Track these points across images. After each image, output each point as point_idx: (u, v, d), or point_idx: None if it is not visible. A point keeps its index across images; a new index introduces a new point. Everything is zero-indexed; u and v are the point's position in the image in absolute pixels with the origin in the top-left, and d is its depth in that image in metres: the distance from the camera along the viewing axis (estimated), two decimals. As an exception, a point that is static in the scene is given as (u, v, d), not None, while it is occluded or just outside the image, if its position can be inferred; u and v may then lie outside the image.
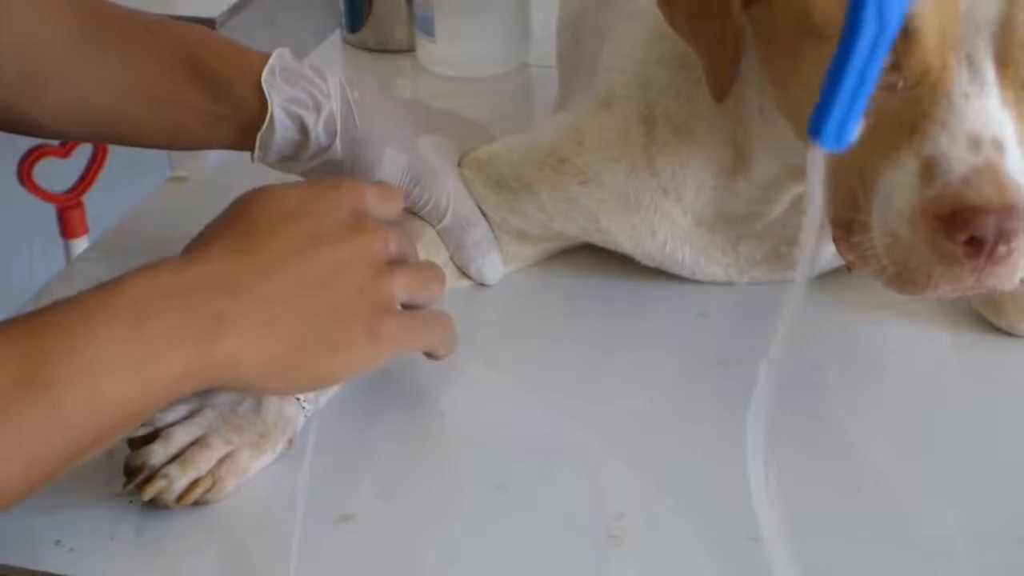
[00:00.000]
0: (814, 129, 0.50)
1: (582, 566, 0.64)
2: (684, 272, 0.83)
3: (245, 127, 0.80)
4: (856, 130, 0.50)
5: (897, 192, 0.64)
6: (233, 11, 1.45)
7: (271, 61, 0.80)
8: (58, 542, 0.65)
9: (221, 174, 0.97)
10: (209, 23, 1.40)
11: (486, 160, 0.85)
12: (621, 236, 0.82)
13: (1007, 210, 0.61)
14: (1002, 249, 0.61)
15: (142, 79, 0.80)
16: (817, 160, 0.52)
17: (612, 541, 0.65)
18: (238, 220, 0.66)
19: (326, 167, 0.82)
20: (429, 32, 1.13)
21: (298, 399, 0.71)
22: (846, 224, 0.68)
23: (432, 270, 0.73)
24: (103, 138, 0.84)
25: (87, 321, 0.59)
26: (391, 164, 0.81)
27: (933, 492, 0.68)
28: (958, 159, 0.62)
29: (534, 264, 0.87)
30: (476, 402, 0.75)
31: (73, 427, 0.58)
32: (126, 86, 0.79)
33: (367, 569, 0.64)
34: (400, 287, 0.68)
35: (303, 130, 0.80)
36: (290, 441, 0.70)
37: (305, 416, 0.72)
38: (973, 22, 0.62)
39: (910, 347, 0.80)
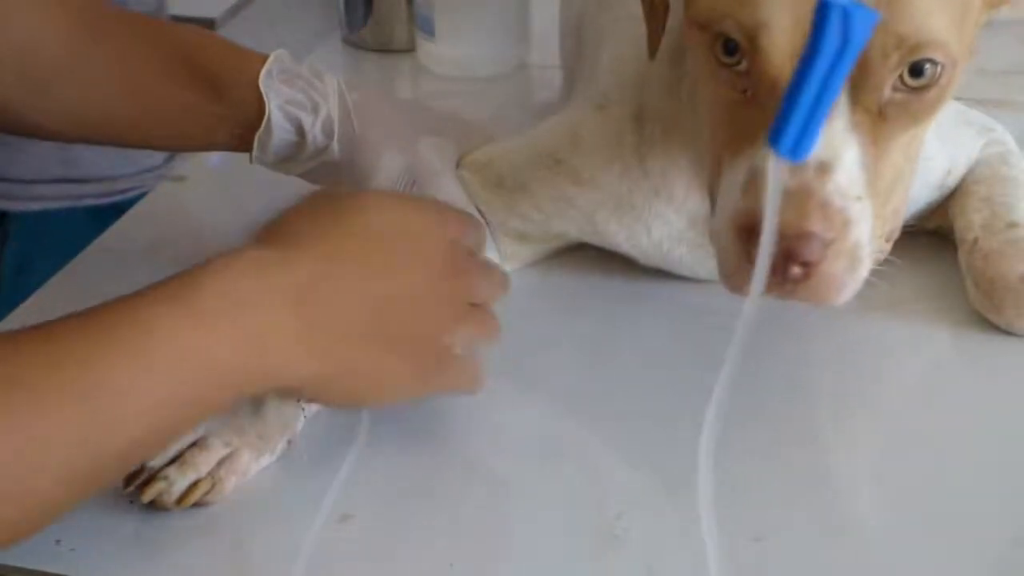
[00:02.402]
0: (773, 138, 0.50)
1: (582, 566, 0.64)
2: (684, 271, 0.83)
3: (243, 128, 0.80)
4: (815, 142, 0.50)
5: (726, 195, 0.65)
6: (233, 11, 1.45)
7: (269, 62, 0.80)
8: (58, 542, 0.65)
9: (221, 174, 0.97)
10: (209, 23, 1.40)
11: (485, 162, 0.85)
12: (619, 237, 0.82)
13: (799, 237, 0.61)
14: (795, 270, 0.62)
15: (142, 80, 0.79)
16: (775, 171, 0.52)
17: (612, 541, 0.65)
18: (333, 222, 0.65)
19: (324, 168, 0.82)
20: (429, 32, 1.13)
21: (298, 400, 0.71)
22: (713, 207, 0.69)
23: (495, 322, 0.71)
24: (102, 140, 0.84)
25: (149, 319, 0.58)
26: (389, 166, 0.81)
27: (933, 491, 0.68)
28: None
29: (533, 264, 0.87)
30: (476, 402, 0.74)
31: (120, 423, 0.57)
32: (126, 87, 0.79)
33: (367, 569, 0.64)
34: (464, 338, 0.68)
35: (300, 131, 0.80)
36: (290, 442, 0.71)
37: (305, 417, 0.72)
38: None
39: (910, 347, 0.80)
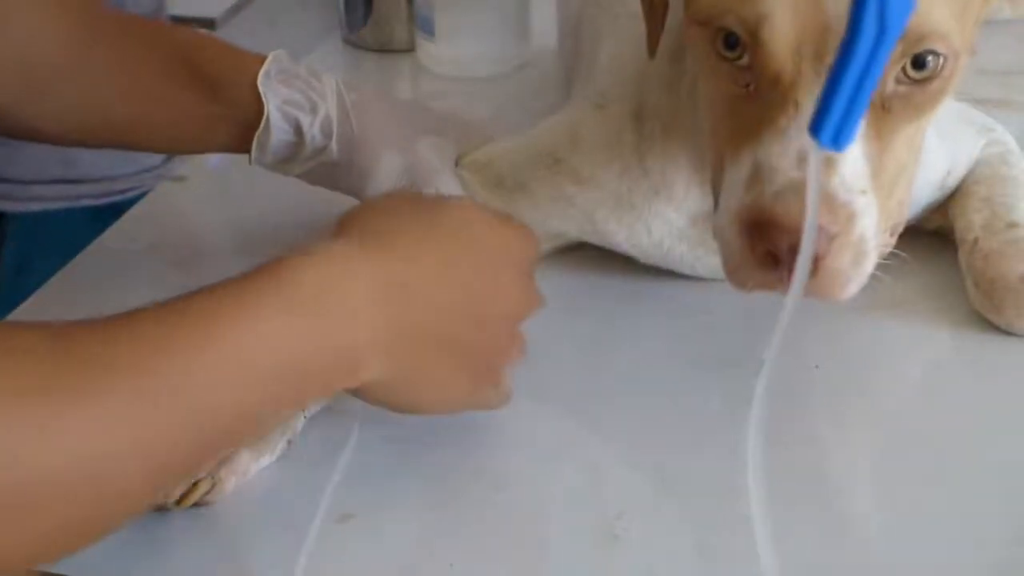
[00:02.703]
0: (814, 129, 0.50)
1: (582, 566, 0.64)
2: (685, 269, 0.83)
3: (243, 129, 0.80)
4: (856, 130, 0.50)
5: (730, 191, 0.65)
6: (233, 11, 1.45)
7: (267, 63, 0.79)
8: (58, 543, 0.65)
9: (220, 174, 0.97)
10: (209, 23, 1.40)
11: (485, 161, 0.85)
12: (619, 236, 0.82)
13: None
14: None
15: (141, 82, 0.79)
16: (816, 160, 0.52)
17: (612, 540, 0.65)
18: (415, 221, 0.64)
19: (323, 169, 0.82)
20: (429, 32, 1.13)
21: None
22: (716, 204, 0.69)
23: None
24: (102, 143, 0.84)
25: (233, 314, 0.57)
26: (388, 165, 0.81)
27: (933, 491, 0.68)
28: (780, 172, 0.62)
29: (533, 264, 0.87)
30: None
31: (193, 420, 0.55)
32: (125, 90, 0.79)
33: (367, 569, 0.64)
34: (514, 360, 0.69)
35: (299, 131, 0.80)
36: (289, 442, 0.71)
37: (305, 417, 0.72)
38: (834, 35, 0.61)
39: (910, 347, 0.80)
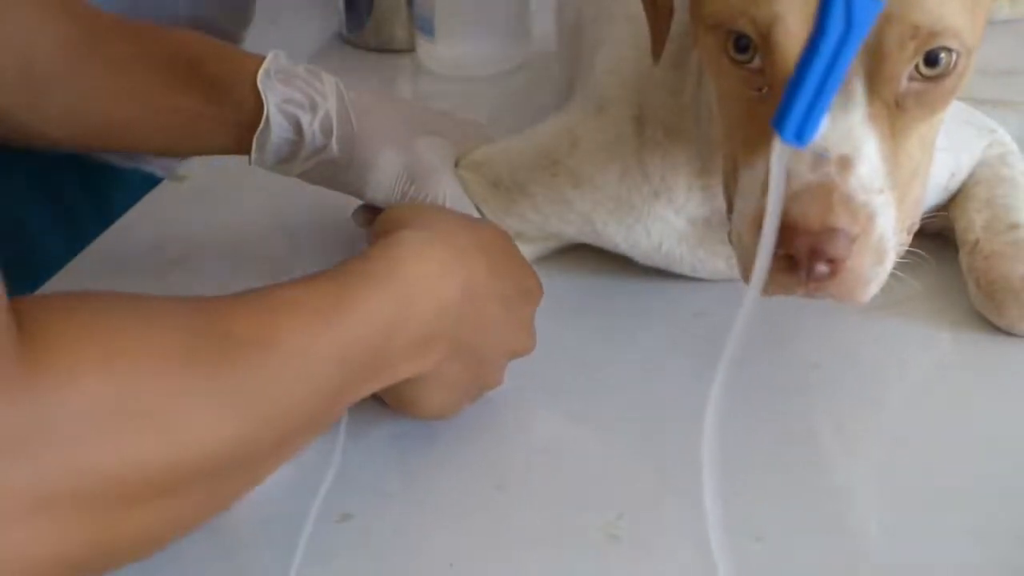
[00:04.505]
0: (777, 124, 0.50)
1: (582, 566, 0.64)
2: (684, 270, 0.83)
3: (243, 129, 0.80)
4: (819, 126, 0.51)
5: (746, 195, 0.65)
6: (233, 11, 1.44)
7: (266, 62, 0.79)
8: (58, 542, 0.65)
9: (221, 174, 0.97)
10: (209, 23, 1.40)
11: (483, 161, 0.85)
12: (617, 237, 0.82)
13: (825, 233, 0.60)
14: (820, 268, 0.61)
15: (140, 84, 0.80)
16: (779, 154, 0.52)
17: (612, 541, 0.65)
18: (470, 237, 0.69)
19: (323, 168, 0.82)
20: (429, 32, 1.14)
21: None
22: (729, 208, 0.69)
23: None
24: (102, 145, 0.84)
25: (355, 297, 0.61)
26: (387, 164, 0.81)
27: (933, 491, 0.68)
28: (796, 174, 0.61)
29: (532, 263, 0.87)
30: (476, 402, 0.75)
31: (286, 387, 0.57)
32: (125, 92, 0.79)
33: (367, 569, 0.64)
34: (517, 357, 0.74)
35: (299, 130, 0.80)
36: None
37: (305, 416, 0.72)
38: None
39: (910, 346, 0.80)
